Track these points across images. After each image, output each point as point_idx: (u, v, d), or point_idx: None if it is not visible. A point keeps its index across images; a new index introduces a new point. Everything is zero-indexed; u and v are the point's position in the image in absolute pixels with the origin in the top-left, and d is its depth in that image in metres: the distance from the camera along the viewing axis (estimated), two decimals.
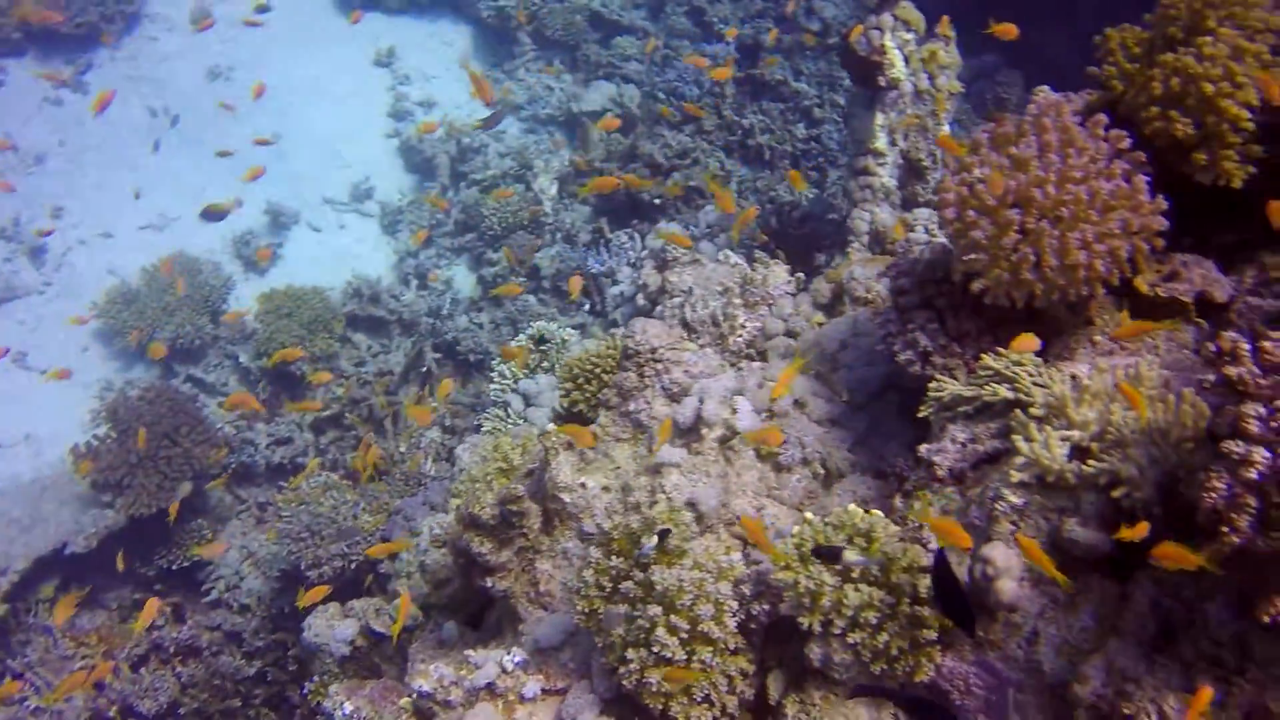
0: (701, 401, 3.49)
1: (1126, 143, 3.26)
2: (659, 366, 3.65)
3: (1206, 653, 2.21)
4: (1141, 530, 2.29)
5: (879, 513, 2.92)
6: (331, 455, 7.15)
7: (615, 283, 7.02)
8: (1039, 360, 3.07)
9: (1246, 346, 2.19)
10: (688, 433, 3.51)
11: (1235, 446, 2.04)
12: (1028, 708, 2.52)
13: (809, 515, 2.90)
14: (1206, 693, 2.02)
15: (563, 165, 8.40)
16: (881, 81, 5.61)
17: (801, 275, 4.96)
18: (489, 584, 3.51)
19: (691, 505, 3.29)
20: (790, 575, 2.75)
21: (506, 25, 9.66)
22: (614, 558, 2.95)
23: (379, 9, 10.01)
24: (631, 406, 3.63)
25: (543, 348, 6.54)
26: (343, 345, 7.66)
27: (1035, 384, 2.97)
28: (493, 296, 7.81)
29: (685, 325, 4.52)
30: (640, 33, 9.76)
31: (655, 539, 2.85)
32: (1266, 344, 2.17)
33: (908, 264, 3.59)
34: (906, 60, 6.05)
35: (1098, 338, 3.39)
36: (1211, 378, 2.36)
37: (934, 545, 2.77)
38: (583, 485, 3.50)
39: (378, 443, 6.97)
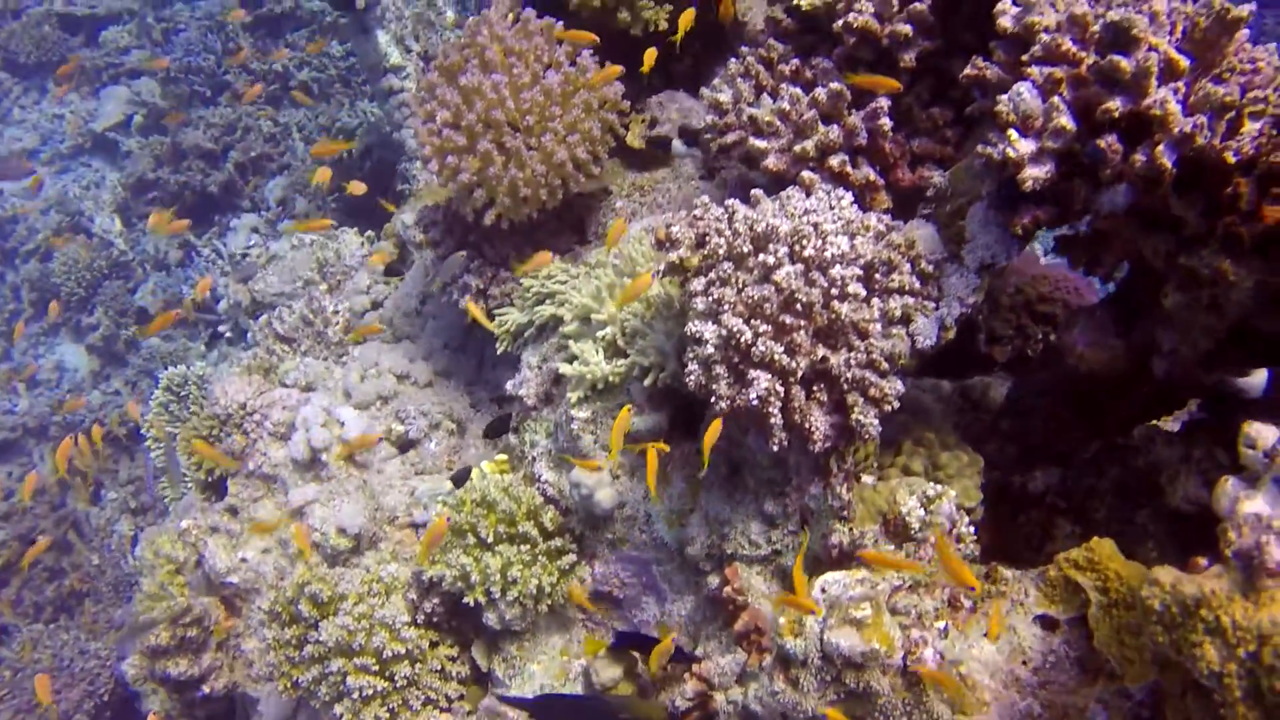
0: (307, 430, 3.52)
1: (558, 27, 3.41)
2: (256, 417, 3.62)
3: (763, 478, 2.55)
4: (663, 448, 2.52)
5: (493, 472, 3.12)
6: None
7: (217, 299, 6.71)
8: (566, 267, 3.27)
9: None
10: (311, 464, 3.54)
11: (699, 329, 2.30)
12: (672, 575, 2.84)
13: (439, 509, 3.04)
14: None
15: (116, 195, 7.77)
16: (361, 4, 5.47)
17: (371, 233, 4.95)
18: (207, 691, 3.50)
19: (343, 531, 3.36)
20: (440, 569, 2.91)
21: None
22: (286, 629, 3.01)
23: None
24: (251, 465, 3.60)
25: (181, 396, 6.24)
26: None
27: (571, 287, 3.17)
28: (118, 354, 7.31)
29: (282, 339, 4.45)
30: (125, 16, 8.94)
31: (309, 601, 2.93)
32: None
33: (432, 211, 3.67)
34: None
35: (619, 204, 3.63)
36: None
37: (545, 478, 3.00)
38: (243, 560, 3.49)
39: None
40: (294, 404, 3.63)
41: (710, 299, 2.26)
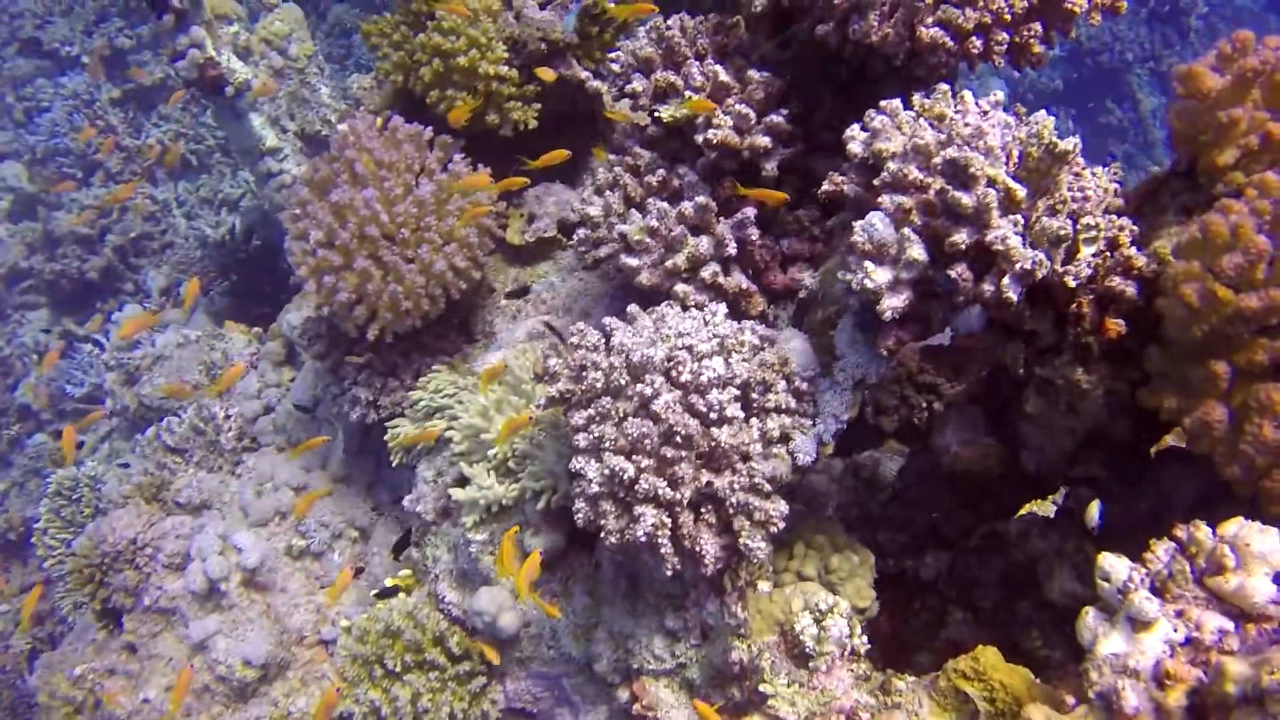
0: (203, 560, 3.43)
1: (426, 134, 3.40)
2: (148, 550, 3.52)
3: (662, 592, 2.57)
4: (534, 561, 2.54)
5: (398, 586, 3.09)
6: None
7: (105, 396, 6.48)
8: (455, 379, 3.26)
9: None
10: (210, 594, 3.45)
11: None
12: (583, 687, 2.84)
13: (342, 643, 2.99)
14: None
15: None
16: (231, 91, 5.36)
17: (259, 331, 4.85)
18: None
19: (248, 663, 3.29)
20: (348, 705, 2.87)
21: None
22: None
23: None
24: (148, 600, 3.50)
25: (74, 499, 6.02)
26: None
27: (458, 400, 3.16)
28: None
29: (172, 451, 4.33)
30: None
31: None
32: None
33: (315, 324, 3.62)
34: (247, 53, 5.81)
35: (503, 301, 3.63)
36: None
37: (449, 599, 2.97)
38: (145, 701, 3.39)
39: None
40: (187, 532, 3.54)
41: (591, 436, 2.27)
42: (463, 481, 2.90)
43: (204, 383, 4.77)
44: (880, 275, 2.04)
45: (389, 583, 3.24)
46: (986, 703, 2.01)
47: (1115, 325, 1.98)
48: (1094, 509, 2.09)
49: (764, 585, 2.50)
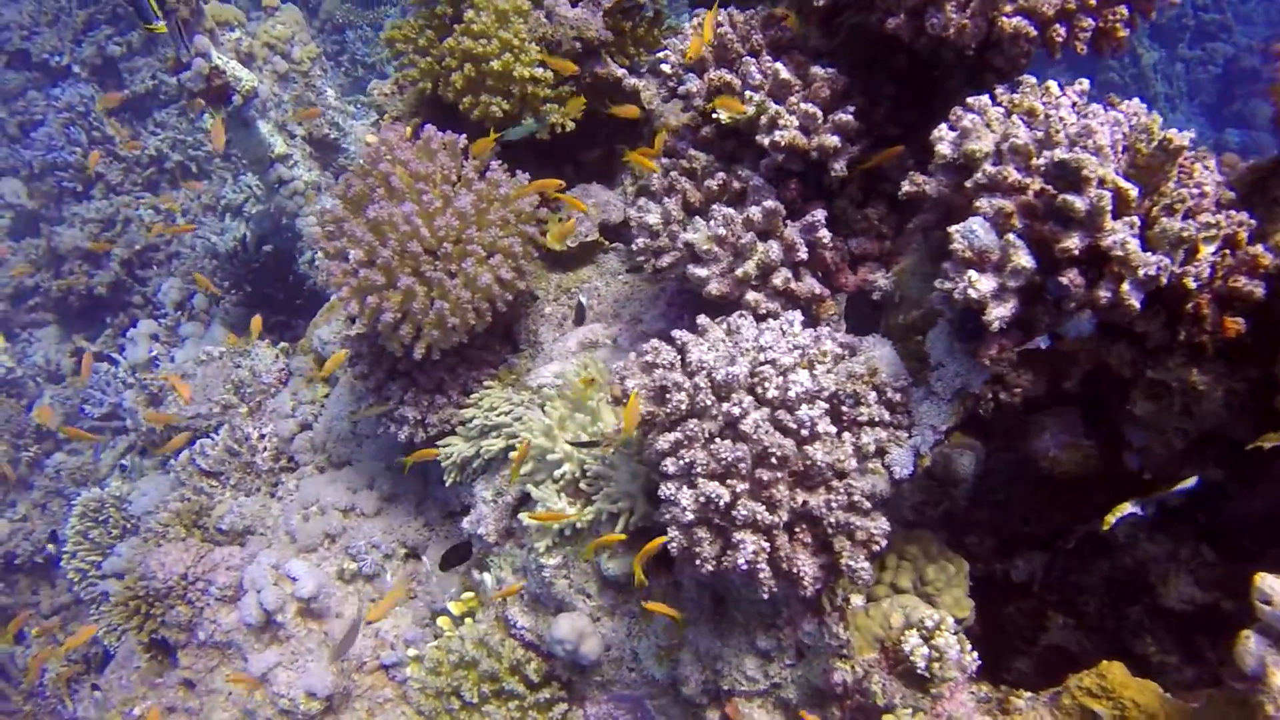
0: (258, 591, 3.35)
1: (462, 143, 3.29)
2: (200, 585, 3.44)
3: (751, 611, 2.50)
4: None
5: (459, 610, 3.02)
6: None
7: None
8: (508, 395, 3.17)
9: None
10: (267, 627, 3.37)
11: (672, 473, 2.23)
12: (668, 709, 2.77)
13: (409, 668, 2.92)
14: None
15: None
16: (238, 100, 5.23)
17: (286, 345, 4.75)
18: None
19: (312, 695, 3.21)
20: None
21: None
22: None
23: None
24: (202, 635, 3.42)
25: (100, 520, 5.94)
26: None
27: (515, 417, 3.07)
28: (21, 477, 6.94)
29: (207, 474, 4.24)
30: None
31: None
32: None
33: (356, 343, 3.52)
34: (250, 59, 5.67)
35: (547, 309, 3.53)
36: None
37: (520, 624, 2.90)
38: None
39: None
40: (238, 564, 3.46)
41: (681, 462, 2.19)
42: (525, 500, 2.82)
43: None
44: (984, 284, 1.94)
45: (452, 607, 3.16)
46: None
47: (1235, 324, 1.89)
48: (1121, 510, 2.04)
49: (857, 600, 2.43)
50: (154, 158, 8.00)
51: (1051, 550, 2.53)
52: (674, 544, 2.21)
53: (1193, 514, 2.24)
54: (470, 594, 3.19)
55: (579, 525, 2.67)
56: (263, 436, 4.29)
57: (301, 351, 4.39)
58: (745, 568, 2.11)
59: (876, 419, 2.24)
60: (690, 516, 2.16)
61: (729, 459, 2.12)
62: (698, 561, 2.19)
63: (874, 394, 2.26)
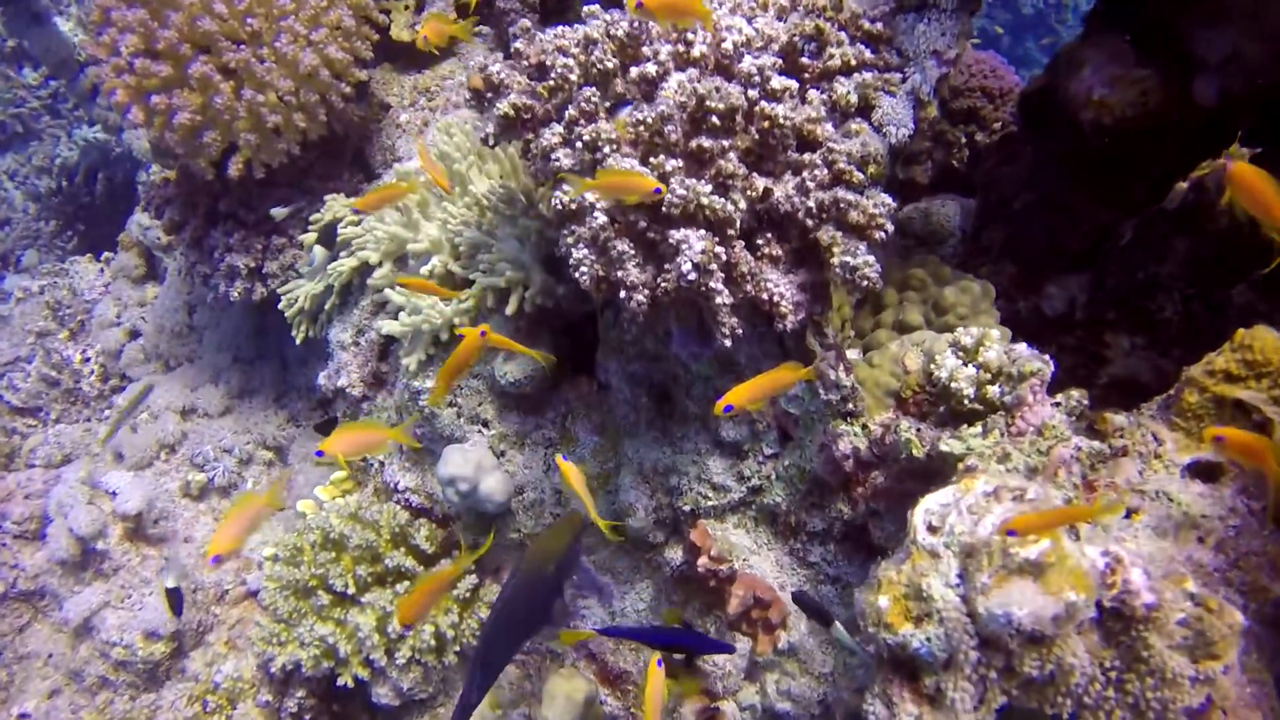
0: (65, 515, 2.55)
1: None
2: None
3: (709, 396, 1.80)
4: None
5: (332, 497, 2.26)
6: None
7: None
8: (342, 198, 2.42)
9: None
10: (84, 559, 2.58)
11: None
12: (612, 562, 2.06)
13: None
14: None
15: None
16: None
17: (108, 255, 3.91)
18: None
19: (152, 635, 2.44)
20: (292, 651, 2.04)
21: None
22: None
23: None
24: (1, 586, 2.61)
25: None
26: None
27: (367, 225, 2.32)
28: None
29: (20, 412, 3.41)
30: None
31: None
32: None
33: (160, 189, 2.73)
34: None
35: (403, 116, 2.79)
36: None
37: (403, 484, 2.15)
38: (23, 716, 2.51)
39: None
40: (40, 489, 2.65)
41: (580, 146, 1.47)
42: (394, 315, 2.08)
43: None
44: None
45: (320, 492, 2.41)
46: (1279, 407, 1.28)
47: None
48: None
49: (852, 353, 1.75)
50: None
51: (1096, 261, 1.87)
52: (585, 274, 1.49)
53: None
54: (342, 473, 2.43)
55: (458, 321, 1.93)
56: (86, 359, 3.46)
57: (123, 247, 3.56)
58: (692, 277, 1.40)
59: (854, 60, 1.54)
60: (601, 219, 1.44)
61: (647, 118, 1.41)
62: (624, 293, 1.47)
63: (843, 33, 1.57)
